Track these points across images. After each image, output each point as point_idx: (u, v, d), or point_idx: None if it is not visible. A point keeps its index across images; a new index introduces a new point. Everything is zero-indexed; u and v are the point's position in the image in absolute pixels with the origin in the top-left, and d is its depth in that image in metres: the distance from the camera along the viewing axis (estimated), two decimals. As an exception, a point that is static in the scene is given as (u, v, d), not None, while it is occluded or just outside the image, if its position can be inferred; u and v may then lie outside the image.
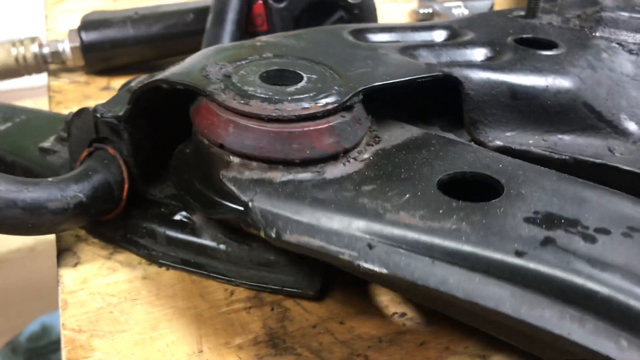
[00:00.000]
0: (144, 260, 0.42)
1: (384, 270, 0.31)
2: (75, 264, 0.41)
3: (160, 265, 0.41)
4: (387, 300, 0.40)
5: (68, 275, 0.40)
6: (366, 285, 0.40)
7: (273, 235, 0.33)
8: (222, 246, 0.40)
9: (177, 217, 0.42)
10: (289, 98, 0.36)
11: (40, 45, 0.63)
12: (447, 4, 0.83)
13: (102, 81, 0.65)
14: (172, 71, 0.40)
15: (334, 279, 0.40)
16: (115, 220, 0.42)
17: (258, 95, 0.36)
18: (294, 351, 0.36)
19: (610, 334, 0.28)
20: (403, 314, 0.39)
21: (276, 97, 0.36)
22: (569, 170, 0.43)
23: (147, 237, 0.42)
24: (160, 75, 0.39)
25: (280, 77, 0.39)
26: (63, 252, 0.42)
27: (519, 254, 0.30)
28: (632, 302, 0.28)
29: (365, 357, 0.36)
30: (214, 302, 0.39)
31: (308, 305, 0.39)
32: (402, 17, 0.84)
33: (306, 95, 0.37)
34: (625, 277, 0.29)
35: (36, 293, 1.27)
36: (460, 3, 0.84)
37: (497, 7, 0.84)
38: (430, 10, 0.83)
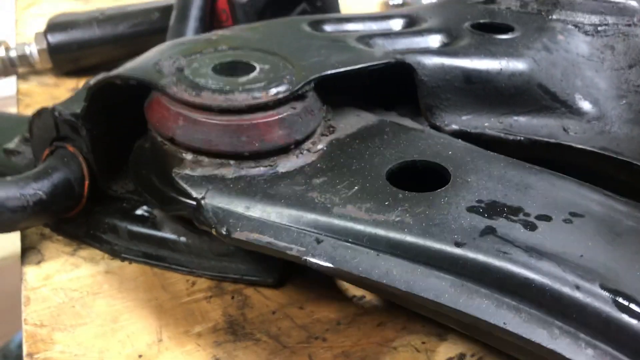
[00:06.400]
0: (107, 255, 0.42)
1: (330, 265, 0.32)
2: (39, 262, 0.42)
3: (123, 259, 0.42)
4: (347, 285, 0.40)
5: (31, 273, 0.41)
6: (326, 271, 0.41)
7: (224, 232, 0.33)
8: (182, 238, 0.41)
9: (139, 211, 0.42)
10: (240, 88, 0.37)
11: (7, 49, 0.63)
12: (417, -6, 0.84)
13: (71, 82, 0.65)
14: (126, 67, 0.40)
15: (295, 266, 0.41)
16: (78, 217, 0.43)
17: (209, 86, 0.37)
18: (252, 337, 0.36)
19: (544, 323, 0.29)
20: (362, 297, 0.39)
21: (227, 88, 0.37)
22: (524, 151, 0.44)
23: (110, 233, 0.42)
24: (114, 72, 0.40)
25: (233, 69, 0.40)
26: (27, 251, 0.42)
27: (458, 244, 0.31)
28: (565, 290, 0.28)
29: (323, 339, 0.36)
30: (176, 293, 0.39)
31: (268, 293, 0.39)
32: (373, 8, 0.84)
33: (258, 85, 0.37)
34: (560, 265, 0.29)
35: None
36: (430, -7, 0.84)
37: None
38: (400, 1, 0.83)
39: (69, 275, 0.41)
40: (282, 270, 0.40)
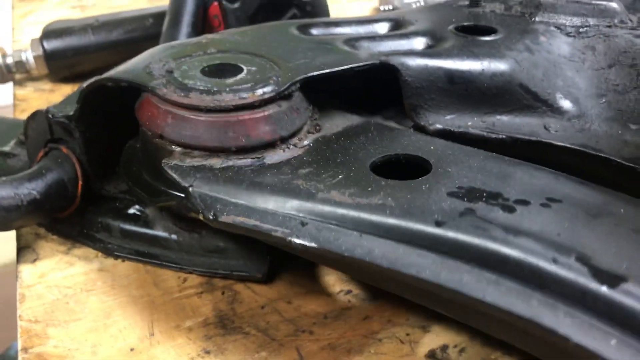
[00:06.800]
0: (100, 253, 0.43)
1: (314, 245, 0.32)
2: (34, 260, 0.43)
3: (116, 257, 0.43)
4: (334, 280, 0.41)
5: (26, 271, 0.42)
6: (315, 266, 0.42)
7: (211, 217, 0.34)
8: (173, 236, 0.42)
9: (131, 210, 0.43)
10: (228, 89, 0.38)
11: (4, 56, 0.65)
12: (407, 0, 0.85)
13: (66, 88, 0.66)
14: (117, 69, 0.42)
15: (284, 262, 0.42)
16: (72, 217, 0.44)
17: (197, 87, 0.38)
18: (242, 330, 0.37)
19: (523, 295, 0.29)
20: (349, 291, 0.40)
21: (215, 89, 0.38)
22: (506, 149, 0.45)
23: (103, 231, 0.43)
24: (106, 74, 0.41)
25: (221, 71, 0.41)
26: (23, 250, 0.44)
27: (438, 223, 0.32)
28: (543, 263, 0.29)
29: (310, 333, 0.37)
30: (167, 290, 0.40)
31: (258, 288, 0.41)
32: (364, 14, 0.85)
33: (245, 85, 0.39)
34: (537, 241, 0.30)
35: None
36: (420, -2, 0.86)
37: None
38: (391, 7, 0.84)
39: (63, 273, 0.42)
40: (270, 266, 0.41)
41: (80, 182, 0.43)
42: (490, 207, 0.33)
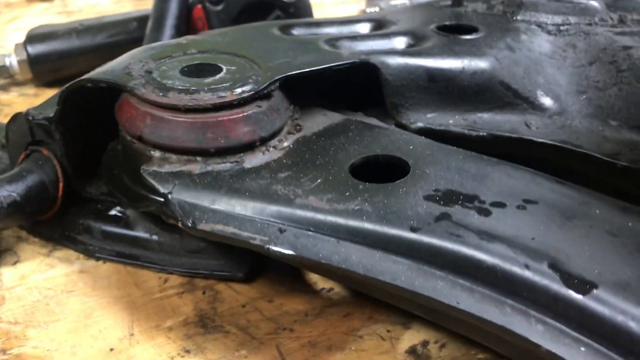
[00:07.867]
0: (81, 255, 0.43)
1: (292, 252, 0.33)
2: (15, 263, 0.43)
3: (97, 259, 0.43)
4: (315, 277, 0.41)
5: (7, 273, 0.42)
6: (296, 265, 0.42)
7: (189, 224, 0.34)
8: (154, 237, 0.42)
9: (112, 212, 0.43)
10: (206, 88, 0.38)
11: (-12, 61, 0.64)
12: (393, 2, 0.85)
13: (51, 93, 0.65)
14: (97, 70, 0.42)
15: (266, 260, 0.42)
16: (53, 219, 0.44)
17: (176, 87, 0.38)
18: (222, 329, 0.37)
19: (496, 301, 0.30)
20: (330, 289, 0.40)
21: (193, 88, 0.38)
22: (487, 146, 0.45)
23: (84, 233, 0.43)
24: (86, 75, 0.41)
25: (200, 71, 0.41)
26: (4, 252, 0.43)
27: (413, 229, 0.32)
28: (515, 270, 0.30)
29: (291, 330, 0.37)
30: (148, 290, 0.40)
31: (239, 287, 0.40)
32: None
33: (223, 85, 0.39)
34: (510, 247, 0.31)
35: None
36: (406, 0, 0.86)
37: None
38: (377, 9, 0.85)
39: (44, 275, 0.41)
40: (252, 265, 0.41)
41: (61, 184, 0.43)
42: (466, 210, 0.33)
